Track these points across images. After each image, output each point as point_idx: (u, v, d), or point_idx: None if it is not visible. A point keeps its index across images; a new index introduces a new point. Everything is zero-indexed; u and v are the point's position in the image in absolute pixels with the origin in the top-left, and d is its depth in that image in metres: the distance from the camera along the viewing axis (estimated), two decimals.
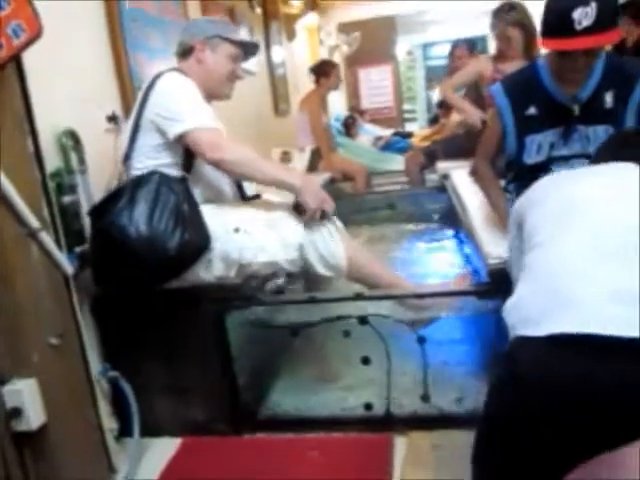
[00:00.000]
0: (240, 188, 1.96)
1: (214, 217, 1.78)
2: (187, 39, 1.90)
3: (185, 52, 1.90)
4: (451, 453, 1.67)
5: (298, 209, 1.82)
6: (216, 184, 1.92)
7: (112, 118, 2.01)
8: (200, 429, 1.88)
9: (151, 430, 1.85)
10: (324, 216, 1.83)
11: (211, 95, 1.93)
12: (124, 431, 1.83)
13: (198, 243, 1.72)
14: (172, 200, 1.70)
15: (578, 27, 1.55)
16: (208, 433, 1.87)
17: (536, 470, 0.98)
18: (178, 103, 1.75)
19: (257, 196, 1.96)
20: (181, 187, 1.74)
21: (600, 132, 1.74)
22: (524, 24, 3.08)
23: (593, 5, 1.54)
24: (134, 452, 1.77)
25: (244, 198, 1.95)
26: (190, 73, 1.85)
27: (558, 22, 1.60)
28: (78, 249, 1.71)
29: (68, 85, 1.81)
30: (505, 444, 0.98)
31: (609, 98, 1.74)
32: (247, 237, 1.78)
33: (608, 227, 1.03)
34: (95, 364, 1.77)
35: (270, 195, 2.04)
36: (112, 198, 1.72)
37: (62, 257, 1.55)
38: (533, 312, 0.97)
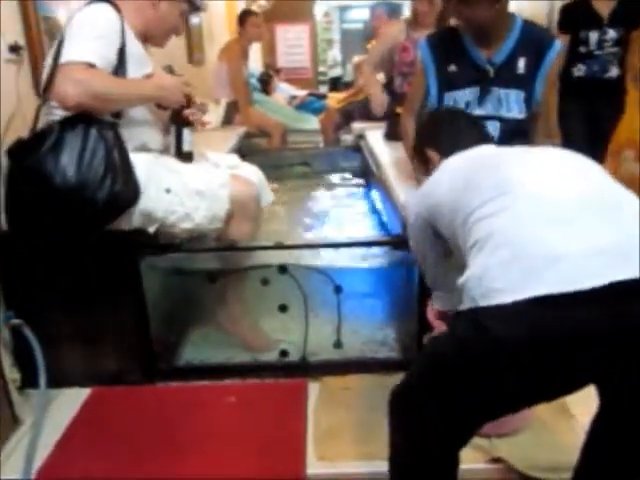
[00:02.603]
0: (179, 139, 1.84)
1: (148, 170, 1.70)
2: None
3: None
4: (360, 394, 1.77)
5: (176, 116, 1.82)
6: (150, 132, 1.81)
7: (14, 48, 1.85)
8: (111, 379, 1.84)
9: (58, 381, 1.77)
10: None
11: (149, 41, 1.83)
12: (28, 382, 1.75)
13: (127, 195, 1.64)
14: (102, 147, 1.59)
15: None
16: (119, 383, 1.83)
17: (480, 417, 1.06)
18: (73, 37, 1.59)
19: (190, 154, 1.87)
20: (111, 133, 1.63)
21: (512, 96, 1.84)
22: None
23: None
24: (40, 403, 1.69)
25: (179, 152, 1.84)
26: (135, 11, 1.73)
27: None
28: None
29: None
30: (457, 393, 1.02)
31: (522, 64, 1.83)
32: (177, 200, 1.72)
33: (551, 195, 1.05)
34: None
35: (210, 153, 2.02)
36: (37, 138, 1.59)
37: None
38: (506, 281, 0.96)
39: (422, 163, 1.54)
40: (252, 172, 1.99)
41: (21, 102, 1.85)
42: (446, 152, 1.39)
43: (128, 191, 1.64)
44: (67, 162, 1.56)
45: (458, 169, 1.28)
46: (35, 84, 1.96)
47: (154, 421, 1.70)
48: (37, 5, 1.98)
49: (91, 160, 1.58)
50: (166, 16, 1.80)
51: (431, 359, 1.12)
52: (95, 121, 1.61)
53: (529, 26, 1.86)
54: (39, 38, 1.98)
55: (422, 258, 1.44)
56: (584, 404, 1.18)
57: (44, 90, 1.67)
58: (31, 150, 1.57)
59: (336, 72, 9.62)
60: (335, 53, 9.81)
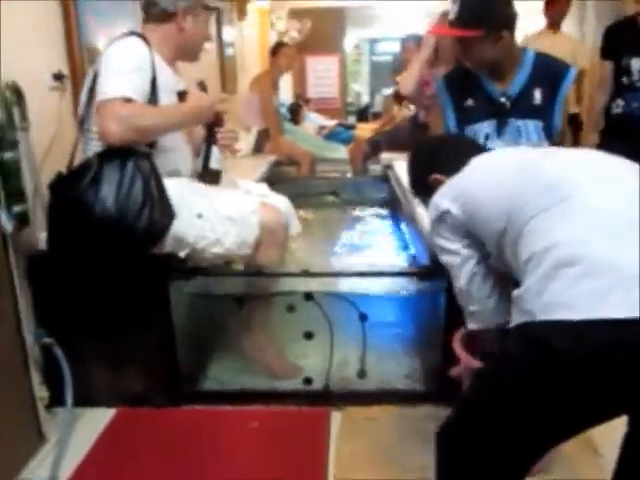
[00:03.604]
0: (207, 157, 1.89)
1: (181, 195, 1.74)
2: (167, 4, 1.79)
3: (163, 18, 1.80)
4: (383, 425, 1.75)
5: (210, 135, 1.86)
6: (181, 157, 1.87)
7: (58, 77, 1.94)
8: (137, 400, 1.85)
9: (85, 400, 1.80)
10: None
11: (184, 58, 1.90)
12: (56, 400, 1.77)
13: (164, 222, 1.69)
14: (139, 178, 1.65)
15: (449, 18, 1.81)
16: (145, 404, 1.85)
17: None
18: (108, 73, 1.65)
19: (218, 172, 1.91)
20: (147, 163, 1.68)
21: (530, 126, 1.86)
22: None
23: (457, 3, 1.77)
24: (66, 421, 1.72)
25: (206, 168, 1.88)
26: (163, 38, 1.79)
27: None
28: (17, 208, 1.64)
29: (13, 40, 1.72)
30: (518, 420, 0.96)
31: (538, 94, 1.86)
32: (208, 226, 1.76)
33: (609, 204, 0.99)
34: (28, 329, 1.71)
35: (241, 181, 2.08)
36: (77, 173, 1.66)
37: (1, 214, 1.49)
38: (573, 297, 0.91)
39: (428, 194, 1.44)
40: (281, 201, 2.02)
41: (63, 128, 1.93)
42: (454, 169, 1.30)
43: (164, 218, 1.69)
44: (106, 194, 1.62)
45: (496, 167, 1.21)
46: (76, 111, 2.04)
47: (177, 443, 1.70)
48: (81, 36, 2.07)
49: (129, 191, 1.63)
50: (194, 32, 1.84)
51: (480, 385, 1.06)
52: (131, 153, 1.65)
53: (542, 58, 1.90)
54: (82, 67, 2.06)
55: (449, 261, 1.33)
56: (610, 441, 1.15)
57: (80, 122, 1.74)
58: (72, 185, 1.64)
59: (359, 103, 9.79)
60: (356, 85, 10.00)
